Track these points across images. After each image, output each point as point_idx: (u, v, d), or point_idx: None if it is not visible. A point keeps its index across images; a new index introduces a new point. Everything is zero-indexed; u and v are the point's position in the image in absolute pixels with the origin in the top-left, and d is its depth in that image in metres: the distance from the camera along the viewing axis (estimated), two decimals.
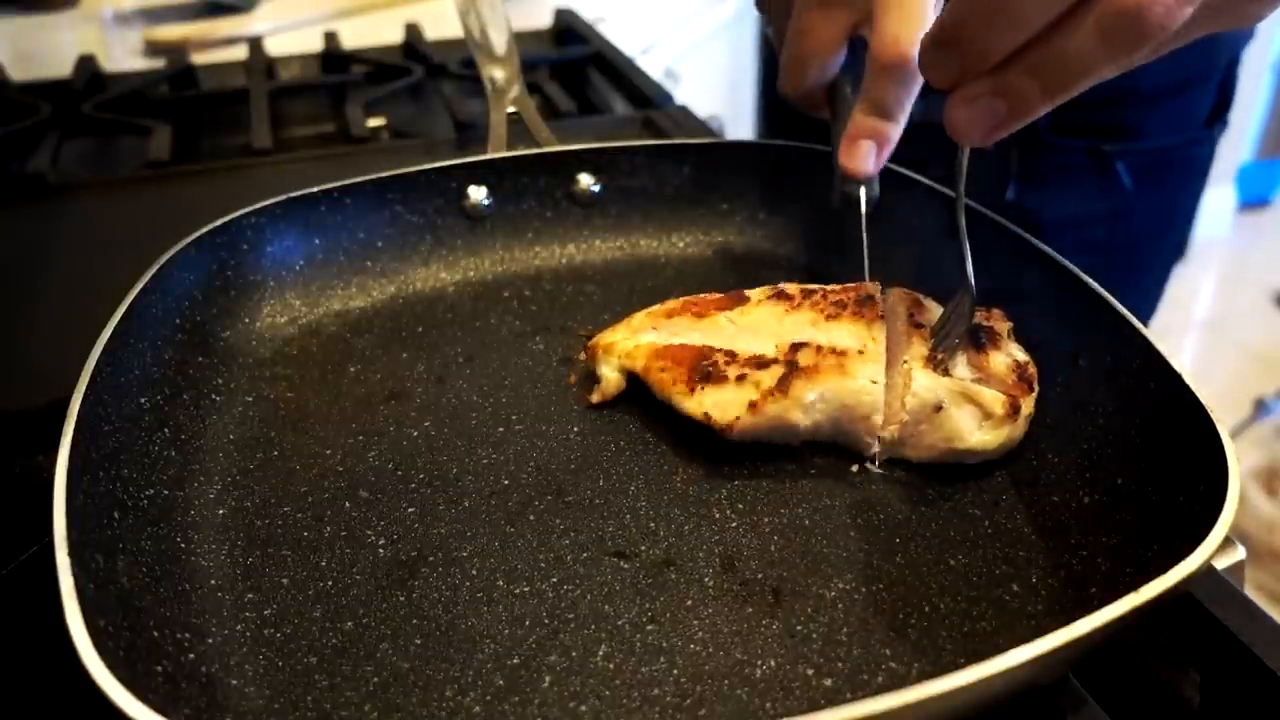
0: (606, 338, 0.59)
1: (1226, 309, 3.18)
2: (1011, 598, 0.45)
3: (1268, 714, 0.39)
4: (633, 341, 0.58)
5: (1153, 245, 1.05)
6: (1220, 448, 0.43)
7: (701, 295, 0.60)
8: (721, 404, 0.52)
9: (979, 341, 0.53)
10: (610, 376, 0.57)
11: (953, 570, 0.47)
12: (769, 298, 0.59)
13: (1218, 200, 3.35)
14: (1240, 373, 2.80)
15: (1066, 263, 0.56)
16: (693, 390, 0.53)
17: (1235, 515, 0.40)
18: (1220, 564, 0.43)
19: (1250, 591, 0.43)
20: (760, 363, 0.54)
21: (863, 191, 0.61)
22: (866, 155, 0.58)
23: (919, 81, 0.57)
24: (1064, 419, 0.54)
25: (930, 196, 0.65)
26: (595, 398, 0.58)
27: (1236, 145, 3.31)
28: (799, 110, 0.67)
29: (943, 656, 0.43)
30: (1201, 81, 0.96)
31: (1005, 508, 0.50)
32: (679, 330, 0.58)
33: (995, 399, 0.50)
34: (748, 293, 0.60)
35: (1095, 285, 0.54)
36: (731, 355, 0.55)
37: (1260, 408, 2.39)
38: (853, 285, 0.58)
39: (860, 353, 0.53)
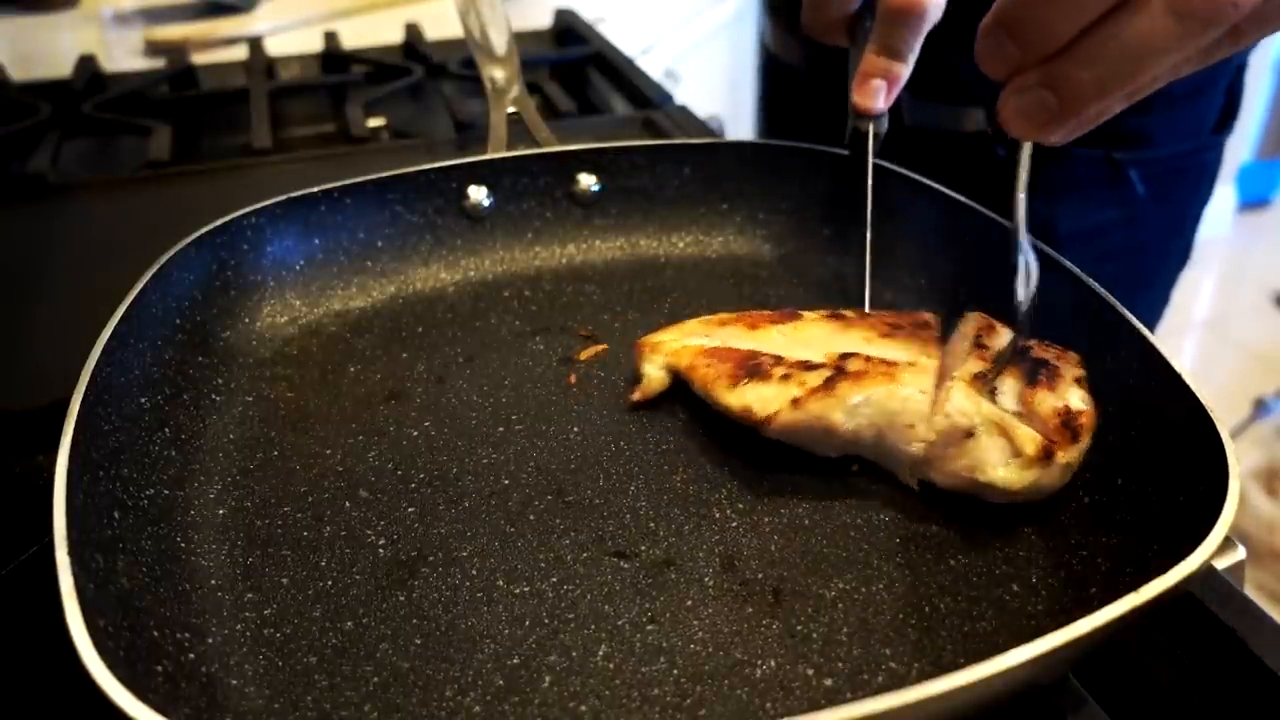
0: (656, 337, 0.59)
1: (1226, 309, 3.18)
2: (1011, 598, 0.45)
3: (1268, 714, 0.39)
4: (681, 343, 0.58)
5: (1162, 252, 1.05)
6: (1220, 448, 0.43)
7: (755, 311, 0.60)
8: (764, 398, 0.51)
9: (1034, 376, 0.50)
10: (654, 375, 0.57)
11: (953, 570, 0.47)
12: (824, 317, 0.59)
13: (1218, 200, 3.34)
14: (1240, 373, 2.80)
15: (1066, 262, 0.56)
16: (736, 385, 0.53)
17: (1235, 515, 0.40)
18: (1220, 564, 0.43)
19: (1250, 591, 0.43)
20: (808, 366, 0.53)
21: (871, 128, 0.65)
22: (877, 92, 0.62)
23: (927, 24, 0.61)
24: None
25: (939, 203, 0.65)
26: (636, 396, 0.57)
27: (1236, 145, 3.31)
28: (820, 40, 0.69)
29: (943, 656, 0.43)
30: (1211, 87, 0.96)
31: (1005, 507, 0.50)
32: (730, 338, 0.58)
33: (1028, 437, 0.47)
34: (803, 311, 0.59)
35: (1095, 285, 0.54)
36: (779, 359, 0.54)
37: (1260, 408, 2.39)
38: (909, 313, 0.59)
39: (911, 364, 0.52)
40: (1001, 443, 0.48)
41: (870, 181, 0.64)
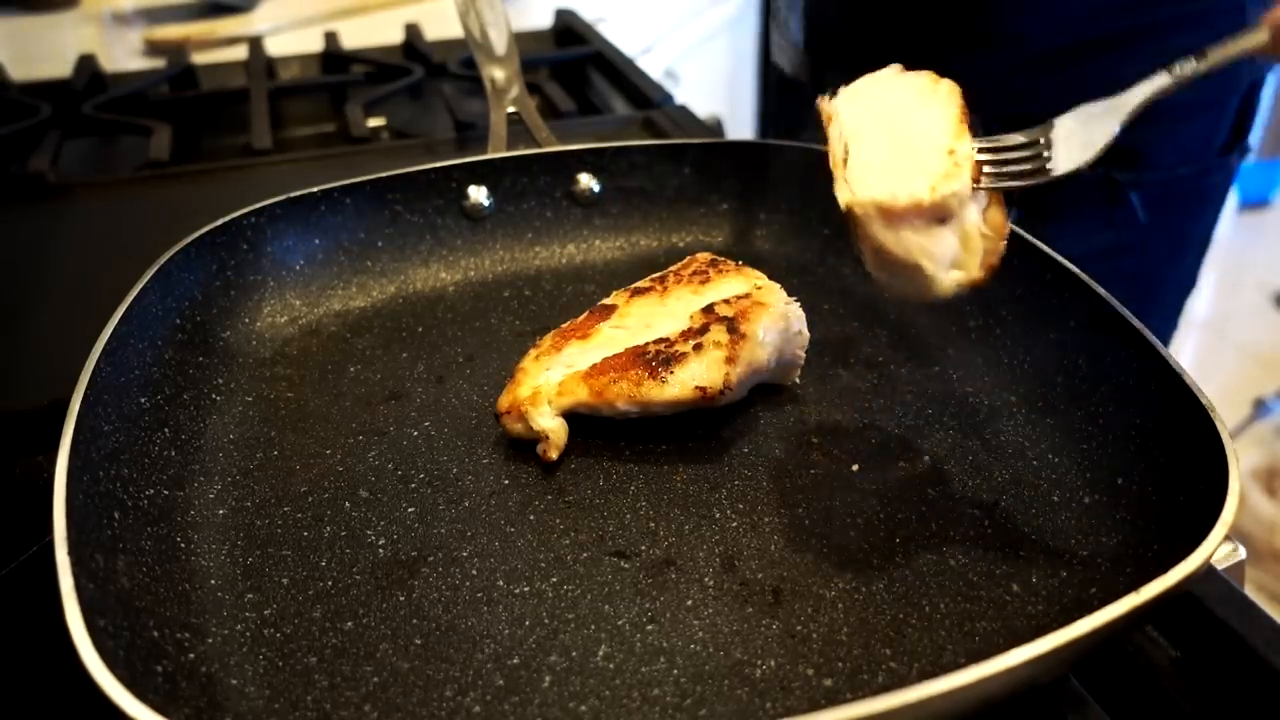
0: (520, 393, 0.54)
1: (1226, 309, 3.17)
2: (1011, 598, 0.45)
3: (1268, 713, 0.39)
4: (552, 383, 0.54)
5: (1162, 277, 1.01)
6: (1220, 448, 0.43)
7: (566, 323, 0.59)
8: (699, 375, 0.53)
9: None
10: (553, 425, 0.53)
11: (953, 570, 0.47)
12: (630, 296, 0.60)
13: None
14: (1240, 373, 2.80)
15: (1067, 263, 0.56)
16: (663, 379, 0.53)
17: (1235, 515, 0.40)
18: (1220, 564, 0.43)
19: (1250, 591, 0.43)
20: (694, 333, 0.55)
21: None
22: None
23: None
24: (1064, 419, 0.54)
25: None
26: (553, 454, 0.53)
27: None
28: None
29: (943, 656, 0.43)
30: (1216, 106, 0.93)
31: (1005, 508, 0.50)
32: (576, 357, 0.56)
33: (978, 261, 0.46)
34: (606, 302, 0.61)
35: (1095, 285, 0.54)
36: (663, 340, 0.56)
37: (1260, 408, 2.38)
38: (687, 261, 0.63)
39: (758, 287, 0.58)
40: (955, 245, 0.46)
41: None
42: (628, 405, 0.54)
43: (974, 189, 0.46)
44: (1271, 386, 2.48)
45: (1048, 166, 0.47)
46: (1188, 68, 0.46)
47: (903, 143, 0.48)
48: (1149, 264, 0.98)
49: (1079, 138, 0.47)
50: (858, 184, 0.47)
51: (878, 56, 0.64)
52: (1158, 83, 0.47)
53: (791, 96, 1.14)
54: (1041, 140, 0.48)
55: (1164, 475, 0.47)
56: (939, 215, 0.46)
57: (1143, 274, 0.98)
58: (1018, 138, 0.48)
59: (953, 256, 0.46)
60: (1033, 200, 0.90)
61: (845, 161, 0.48)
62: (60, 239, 0.78)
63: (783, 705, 0.40)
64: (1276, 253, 3.50)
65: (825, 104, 0.52)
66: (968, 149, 0.46)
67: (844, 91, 0.51)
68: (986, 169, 0.47)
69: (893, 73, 0.52)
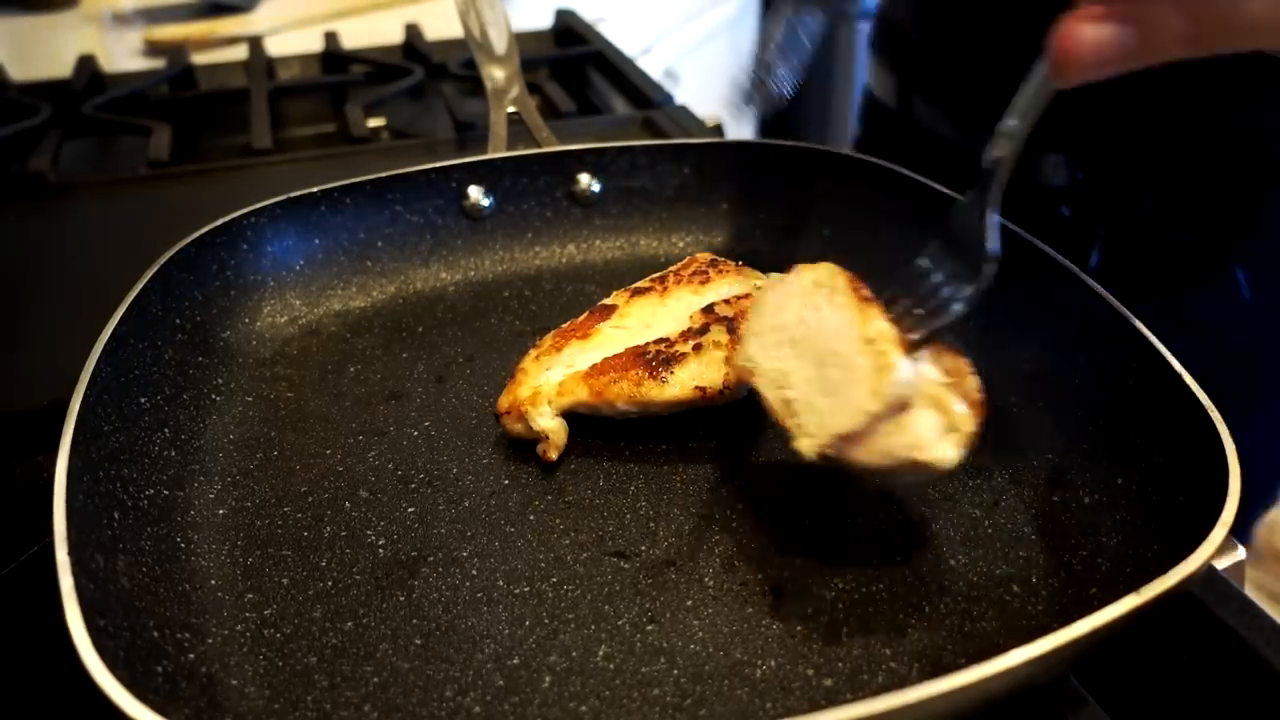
0: (520, 392, 0.54)
1: None
2: (1011, 598, 0.45)
3: (1268, 713, 0.39)
4: (552, 383, 0.55)
5: (1277, 367, 0.79)
6: (1220, 448, 0.43)
7: (566, 323, 0.59)
8: (699, 375, 0.53)
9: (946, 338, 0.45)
10: (553, 425, 0.53)
11: (953, 570, 0.47)
12: (632, 296, 0.60)
13: None
14: None
15: (1068, 263, 0.56)
16: (663, 380, 0.53)
17: (1235, 515, 0.40)
18: (1220, 564, 0.43)
19: (1250, 591, 0.43)
20: (695, 333, 0.56)
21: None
22: None
23: None
24: (1064, 420, 0.54)
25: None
26: (553, 454, 0.53)
27: None
28: None
29: (943, 656, 0.43)
30: None
31: (1005, 508, 0.50)
32: (576, 357, 0.56)
33: (966, 416, 0.44)
34: (607, 302, 0.61)
35: (1095, 285, 0.54)
36: (663, 340, 0.56)
37: None
38: (689, 260, 0.63)
39: (758, 288, 0.57)
40: (936, 417, 0.43)
41: None
42: (628, 405, 0.54)
43: (911, 356, 0.43)
44: None
45: (959, 288, 0.44)
46: (1010, 131, 0.43)
47: (824, 357, 0.45)
48: (1254, 350, 0.78)
49: (967, 241, 0.45)
50: (813, 428, 0.44)
51: (969, 77, 0.56)
52: (995, 155, 0.43)
53: (881, 121, 0.97)
54: (931, 262, 0.46)
55: (1164, 475, 0.47)
56: (898, 407, 0.43)
57: (1247, 360, 0.77)
58: (915, 266, 0.46)
59: (937, 428, 0.43)
60: (1113, 242, 0.74)
61: (790, 411, 0.46)
62: (60, 239, 0.78)
63: (783, 705, 0.40)
64: None
65: (742, 361, 0.49)
66: (881, 326, 0.43)
67: (747, 336, 0.49)
68: (906, 325, 0.44)
69: (776, 288, 0.49)
